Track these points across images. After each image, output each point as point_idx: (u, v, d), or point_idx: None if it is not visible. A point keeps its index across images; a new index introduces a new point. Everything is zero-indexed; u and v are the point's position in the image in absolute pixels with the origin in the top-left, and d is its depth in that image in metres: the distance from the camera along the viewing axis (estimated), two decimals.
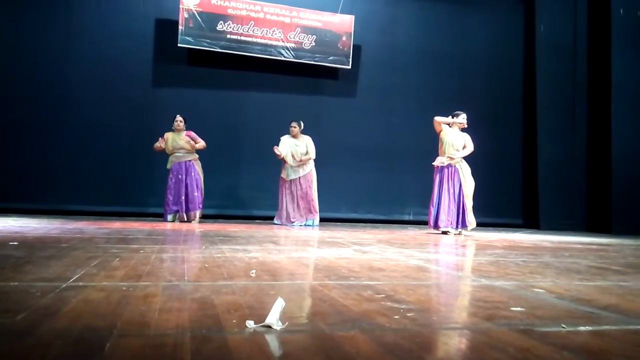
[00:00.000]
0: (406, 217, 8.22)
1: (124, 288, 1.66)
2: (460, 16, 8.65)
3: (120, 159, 7.28)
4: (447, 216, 5.92)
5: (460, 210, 5.96)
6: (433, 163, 6.13)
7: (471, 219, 6.00)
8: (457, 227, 5.96)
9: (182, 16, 7.32)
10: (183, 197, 6.39)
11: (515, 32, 8.91)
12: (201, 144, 6.60)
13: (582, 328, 1.33)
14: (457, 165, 6.06)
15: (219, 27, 7.50)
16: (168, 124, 7.37)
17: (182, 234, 4.22)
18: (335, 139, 7.67)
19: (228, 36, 7.53)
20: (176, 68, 7.67)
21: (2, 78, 6.98)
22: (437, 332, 1.26)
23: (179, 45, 7.36)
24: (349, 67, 7.97)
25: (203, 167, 7.64)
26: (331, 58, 7.92)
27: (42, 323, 1.17)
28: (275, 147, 6.72)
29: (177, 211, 6.39)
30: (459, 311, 1.57)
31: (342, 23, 7.96)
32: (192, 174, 6.54)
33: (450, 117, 6.17)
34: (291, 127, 6.87)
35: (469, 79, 8.45)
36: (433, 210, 6.06)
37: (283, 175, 6.88)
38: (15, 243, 2.97)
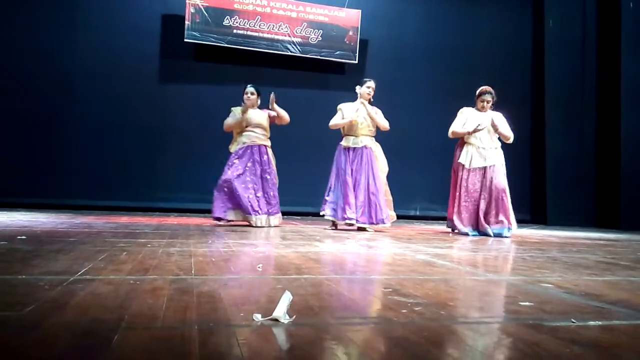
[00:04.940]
0: (412, 213, 8.20)
1: (132, 281, 1.66)
2: (468, 11, 8.59)
3: (127, 153, 7.30)
4: (352, 207, 4.84)
5: (372, 202, 4.93)
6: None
7: (391, 213, 5.17)
8: (368, 222, 4.91)
9: (189, 11, 7.31)
10: (258, 194, 4.93)
11: (524, 27, 8.85)
12: (284, 114, 5.12)
13: (591, 323, 1.32)
14: (371, 147, 5.09)
15: (226, 22, 7.49)
16: (175, 119, 7.38)
17: (188, 230, 4.22)
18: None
19: (234, 31, 7.52)
20: (183, 63, 7.67)
21: (9, 73, 7.00)
22: (445, 327, 1.26)
23: (185, 40, 7.36)
24: (356, 61, 7.94)
25: (209, 162, 7.60)
26: (338, 53, 7.90)
27: (50, 316, 1.18)
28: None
29: (250, 212, 4.84)
30: (467, 306, 1.57)
31: (349, 18, 7.93)
32: (271, 166, 5.08)
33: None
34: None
35: (477, 74, 8.39)
36: (337, 200, 4.97)
37: None
38: (24, 237, 2.99)
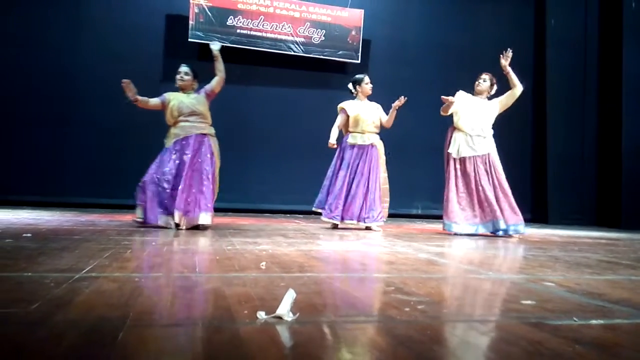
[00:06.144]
0: (414, 211, 8.21)
1: (136, 279, 1.67)
2: (471, 10, 8.58)
3: (131, 151, 7.27)
4: (339, 207, 4.77)
5: (370, 201, 4.83)
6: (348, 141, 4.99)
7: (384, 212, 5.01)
8: (362, 220, 4.78)
9: (193, 11, 7.32)
10: (185, 192, 4.04)
11: (526, 26, 8.83)
12: (223, 67, 4.52)
13: (593, 321, 1.33)
14: (377, 146, 5.01)
15: (229, 21, 7.50)
16: None
17: (191, 229, 4.22)
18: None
19: (238, 31, 7.53)
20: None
21: (12, 72, 7.02)
22: (447, 325, 1.26)
23: (189, 40, 7.36)
24: (358, 61, 7.94)
25: None
26: (340, 52, 7.90)
27: (56, 313, 1.19)
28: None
29: (171, 212, 3.98)
30: (469, 304, 1.57)
31: (352, 17, 7.93)
32: (207, 156, 4.23)
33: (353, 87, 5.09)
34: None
35: (479, 72, 8.40)
36: (332, 199, 4.82)
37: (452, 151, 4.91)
38: (29, 235, 3.00)
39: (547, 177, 8.33)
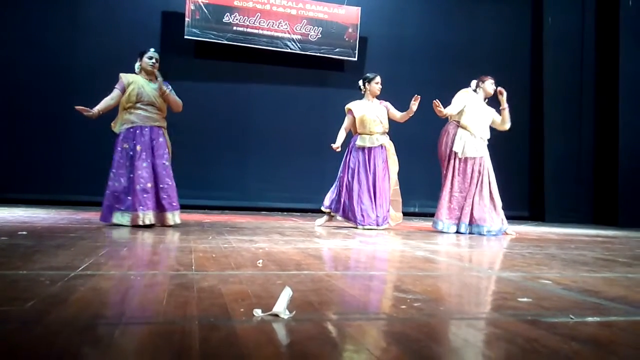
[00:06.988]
0: (411, 209, 8.21)
1: (132, 277, 1.67)
2: (468, 8, 8.58)
3: None
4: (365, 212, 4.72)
5: (379, 203, 4.82)
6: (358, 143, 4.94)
7: (392, 213, 5.00)
8: (375, 224, 4.72)
9: (189, 8, 7.30)
10: (149, 184, 3.84)
11: (523, 24, 8.84)
12: (177, 101, 4.20)
13: (589, 319, 1.33)
14: (386, 145, 5.00)
15: (226, 19, 7.48)
16: (173, 116, 7.35)
17: (188, 226, 4.22)
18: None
19: (234, 28, 7.51)
20: (183, 61, 7.65)
21: (8, 70, 6.99)
22: (444, 322, 1.26)
23: (185, 37, 7.35)
24: (355, 59, 7.93)
25: (210, 158, 7.51)
26: (337, 50, 7.89)
27: (51, 311, 1.18)
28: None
29: (135, 208, 3.74)
30: (466, 301, 1.57)
31: (349, 15, 7.92)
32: (166, 151, 4.11)
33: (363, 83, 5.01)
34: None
35: (476, 70, 8.33)
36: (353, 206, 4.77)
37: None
38: (24, 233, 2.99)
39: (544, 175, 8.35)
